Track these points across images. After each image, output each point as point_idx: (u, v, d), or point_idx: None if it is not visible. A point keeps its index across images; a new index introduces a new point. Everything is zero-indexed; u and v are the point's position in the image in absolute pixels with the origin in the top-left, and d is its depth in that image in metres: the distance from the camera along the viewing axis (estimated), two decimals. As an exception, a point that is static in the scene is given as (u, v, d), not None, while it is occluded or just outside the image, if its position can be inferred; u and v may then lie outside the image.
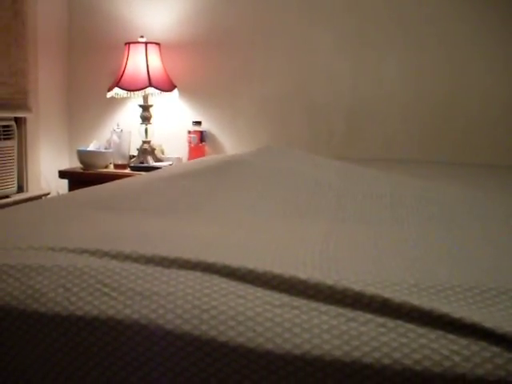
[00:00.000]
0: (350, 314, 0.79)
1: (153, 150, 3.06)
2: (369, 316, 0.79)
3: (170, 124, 3.21)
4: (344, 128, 2.98)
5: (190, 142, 3.07)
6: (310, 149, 3.00)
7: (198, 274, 0.87)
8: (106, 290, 0.86)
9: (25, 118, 3.05)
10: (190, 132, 3.09)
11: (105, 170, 2.96)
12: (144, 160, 3.00)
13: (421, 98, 2.86)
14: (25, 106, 3.01)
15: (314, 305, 0.81)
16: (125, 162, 3.00)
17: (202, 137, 3.08)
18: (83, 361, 0.84)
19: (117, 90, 3.02)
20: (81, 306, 0.85)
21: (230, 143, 3.14)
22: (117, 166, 2.99)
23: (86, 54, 3.32)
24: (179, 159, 3.06)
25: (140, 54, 3.01)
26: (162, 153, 3.13)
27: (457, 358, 0.72)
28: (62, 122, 3.37)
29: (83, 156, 2.96)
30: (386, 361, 0.73)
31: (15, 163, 2.96)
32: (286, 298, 0.82)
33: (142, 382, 0.81)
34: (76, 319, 0.84)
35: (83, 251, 0.97)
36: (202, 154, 3.03)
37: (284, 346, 0.76)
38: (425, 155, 2.84)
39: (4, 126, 2.88)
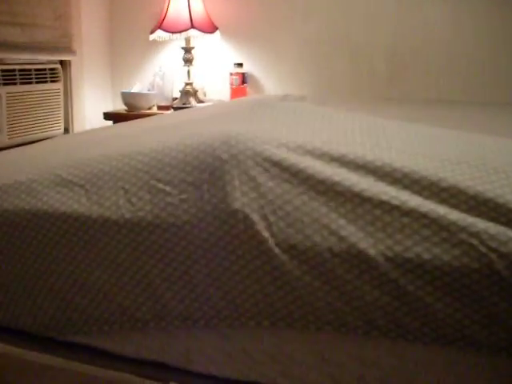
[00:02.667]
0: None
1: (195, 91, 3.09)
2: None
3: (212, 66, 3.23)
4: (386, 69, 2.96)
5: (231, 84, 3.09)
6: (351, 89, 3.00)
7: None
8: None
9: (69, 61, 3.10)
10: (231, 74, 3.10)
11: (148, 111, 3.01)
12: (186, 101, 3.03)
13: (465, 37, 2.82)
14: (69, 49, 3.06)
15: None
16: (168, 104, 3.04)
17: (244, 78, 3.09)
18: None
19: (159, 33, 3.04)
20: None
21: (271, 85, 3.15)
22: (160, 108, 3.03)
23: (129, -3, 3.35)
24: (221, 101, 3.09)
25: (182, -5, 3.02)
26: (204, 94, 3.16)
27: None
28: (106, 65, 3.42)
29: (127, 98, 3.01)
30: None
31: (61, 105, 3.03)
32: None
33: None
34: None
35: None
36: (244, 96, 3.05)
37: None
38: (468, 96, 2.81)
39: (50, 69, 2.94)
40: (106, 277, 0.94)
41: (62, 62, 3.04)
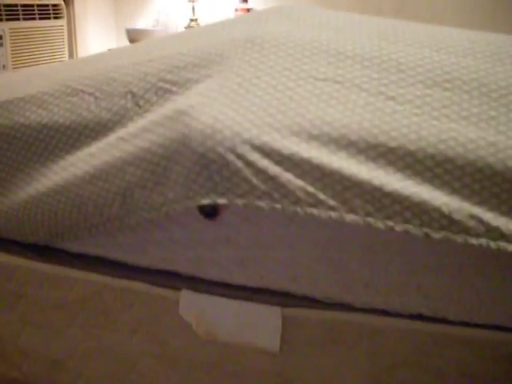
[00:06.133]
0: (390, 93, 0.82)
1: (200, 27, 3.05)
2: (409, 97, 0.81)
3: (217, 2, 3.18)
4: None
5: (236, 20, 3.05)
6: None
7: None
8: None
9: (72, -2, 3.05)
10: (236, 10, 3.06)
11: (153, 48, 2.97)
12: (191, 38, 3.00)
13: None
14: (72, -15, 3.01)
15: (357, 81, 0.84)
16: (173, 40, 3.01)
17: (249, 14, 3.05)
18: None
19: (163, -33, 2.98)
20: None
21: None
22: (165, 44, 3.00)
23: None
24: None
25: None
26: (209, 31, 3.12)
27: None
28: (109, 1, 3.37)
29: (133, 34, 2.97)
30: (423, 143, 0.76)
31: (65, 42, 2.99)
32: (330, 73, 0.85)
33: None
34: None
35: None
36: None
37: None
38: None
39: (53, 5, 2.89)
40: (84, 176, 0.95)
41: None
